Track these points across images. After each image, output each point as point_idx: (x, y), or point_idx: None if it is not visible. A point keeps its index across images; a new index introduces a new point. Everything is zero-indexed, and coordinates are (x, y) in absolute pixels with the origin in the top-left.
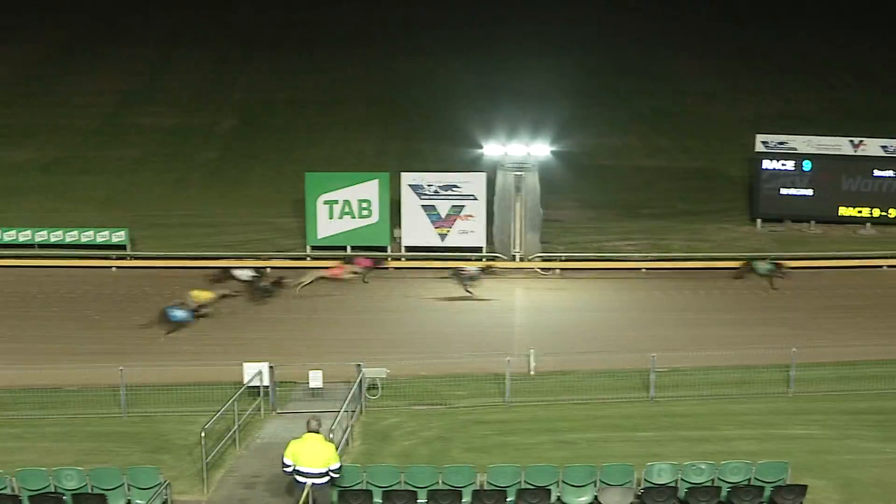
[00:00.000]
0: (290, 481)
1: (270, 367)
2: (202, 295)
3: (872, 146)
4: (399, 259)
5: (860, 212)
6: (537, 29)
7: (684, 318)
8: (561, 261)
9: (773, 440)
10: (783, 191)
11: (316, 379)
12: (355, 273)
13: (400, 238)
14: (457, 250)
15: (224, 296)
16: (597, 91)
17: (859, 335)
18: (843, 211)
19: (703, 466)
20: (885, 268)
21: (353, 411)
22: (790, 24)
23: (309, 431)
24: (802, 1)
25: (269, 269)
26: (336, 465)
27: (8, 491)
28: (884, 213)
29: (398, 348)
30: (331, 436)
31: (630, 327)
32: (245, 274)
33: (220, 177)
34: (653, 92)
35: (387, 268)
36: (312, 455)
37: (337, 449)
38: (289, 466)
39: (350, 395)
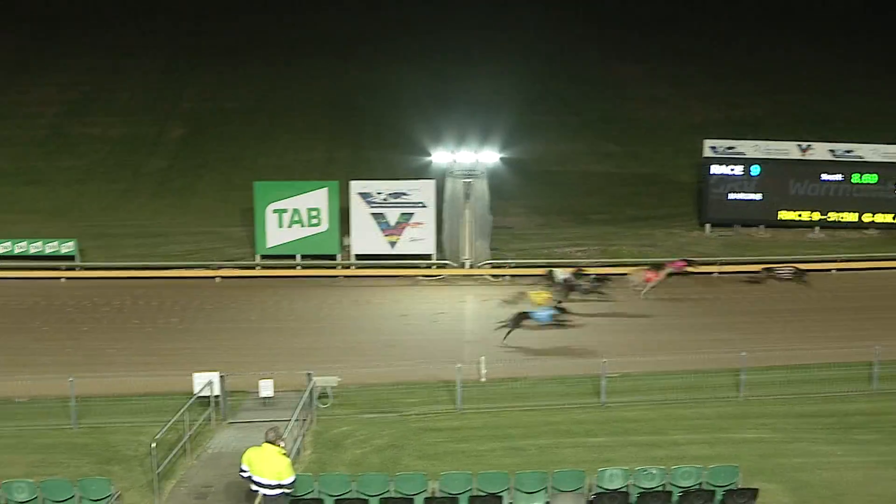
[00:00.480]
0: (246, 489)
1: (221, 377)
2: (539, 297)
3: (820, 150)
4: (349, 267)
5: (808, 216)
6: (486, 36)
7: (635, 323)
8: (511, 267)
9: (723, 444)
10: (731, 195)
11: (267, 388)
12: (672, 274)
13: (349, 246)
14: (407, 258)
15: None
16: (545, 98)
17: (808, 339)
18: (792, 215)
19: (654, 471)
20: (833, 271)
21: (305, 420)
22: (737, 30)
23: (266, 442)
24: (748, 6)
25: (585, 269)
26: (289, 480)
27: None
28: (831, 217)
29: (349, 356)
30: (281, 444)
31: (581, 333)
32: (564, 274)
33: (169, 186)
34: (601, 98)
35: (694, 273)
36: (265, 466)
37: (290, 458)
38: (245, 472)
39: (301, 404)
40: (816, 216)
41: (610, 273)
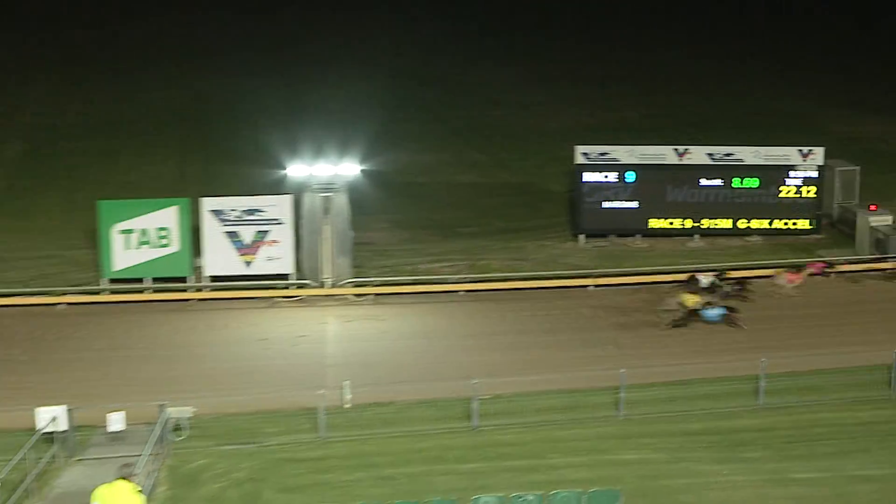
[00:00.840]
0: None
1: (67, 411)
2: (690, 299)
3: (698, 154)
4: (202, 290)
5: (687, 223)
6: (343, 42)
7: (507, 341)
8: (374, 286)
9: (604, 466)
10: (606, 204)
11: (117, 421)
12: (811, 275)
13: (202, 267)
14: (264, 278)
15: (707, 302)
16: (408, 105)
17: (692, 353)
18: (670, 223)
19: (530, 497)
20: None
21: (159, 454)
22: (608, 30)
23: (118, 478)
24: (616, 7)
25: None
26: None
27: None
28: (712, 224)
29: (205, 385)
30: (134, 480)
31: (450, 353)
32: (706, 280)
33: (7, 207)
34: (466, 104)
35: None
36: None
37: (144, 495)
38: None
39: (154, 438)
40: (696, 223)
41: (750, 276)
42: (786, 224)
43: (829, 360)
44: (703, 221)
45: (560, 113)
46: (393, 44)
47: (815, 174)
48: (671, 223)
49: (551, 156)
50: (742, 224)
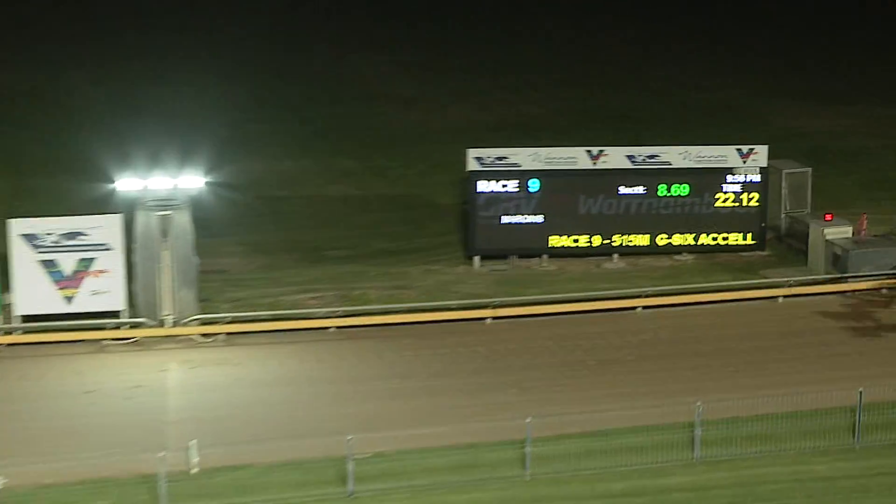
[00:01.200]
0: None
1: None
2: None
3: (616, 157)
4: (12, 332)
5: (603, 240)
6: (184, 30)
7: (388, 387)
8: (226, 323)
9: None
10: (505, 219)
11: None
12: None
13: (11, 305)
14: (90, 316)
15: None
16: (263, 104)
17: (614, 396)
18: (583, 240)
19: None
20: (639, 309)
21: None
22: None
23: None
24: None
25: None
26: None
27: None
28: (633, 241)
29: (18, 449)
30: None
31: (320, 404)
32: None
33: None
34: (334, 101)
35: None
36: None
37: None
38: None
39: None
40: (614, 240)
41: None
42: (723, 239)
43: (779, 403)
44: (622, 238)
45: (448, 109)
46: (244, 31)
47: (757, 178)
48: (584, 241)
49: (438, 161)
50: (670, 240)
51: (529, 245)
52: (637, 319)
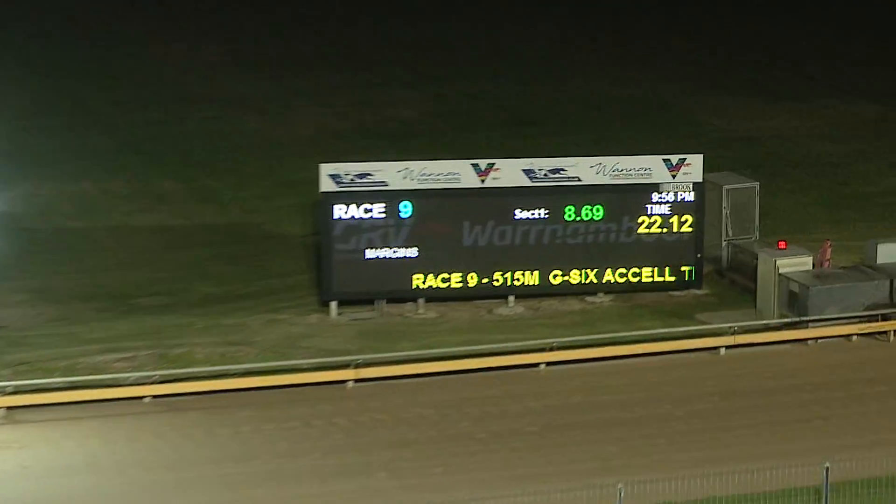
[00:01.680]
0: None
1: None
2: None
3: (510, 171)
4: None
5: (496, 279)
6: None
7: (221, 474)
8: (7, 394)
9: None
10: (370, 253)
11: None
12: None
13: None
14: None
15: None
16: (48, 107)
17: (509, 478)
18: (470, 279)
19: None
20: (542, 367)
21: None
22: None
23: None
24: None
25: None
26: None
27: None
28: (532, 280)
29: None
30: None
31: (131, 497)
32: None
33: None
34: (145, 104)
35: None
36: None
37: None
38: None
39: None
40: (510, 279)
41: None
42: (648, 275)
43: (724, 484)
44: (519, 275)
45: (296, 113)
46: (28, 18)
47: (690, 196)
48: (472, 280)
49: (283, 180)
50: (581, 277)
51: (401, 286)
52: (540, 380)
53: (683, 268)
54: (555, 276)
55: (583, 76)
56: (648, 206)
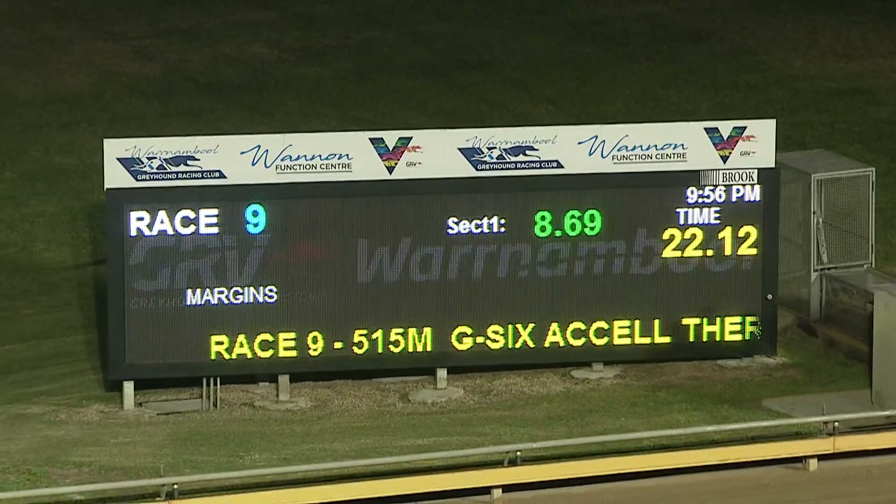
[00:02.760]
0: None
1: None
2: None
3: (437, 152)
4: None
5: (416, 340)
6: None
7: None
8: None
9: None
10: (194, 296)
11: None
12: None
13: None
14: None
15: None
16: None
17: None
18: (370, 340)
19: None
20: (496, 494)
21: None
22: None
23: None
24: None
25: None
26: None
27: None
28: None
29: None
30: None
31: None
32: None
33: None
34: None
35: None
36: None
37: None
38: None
39: None
40: (442, 340)
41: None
42: (682, 332)
43: None
44: (456, 333)
45: (61, 51)
46: None
47: (754, 193)
48: (372, 341)
49: (36, 168)
50: (562, 336)
51: (248, 355)
52: None
53: (742, 317)
54: (516, 333)
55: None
56: (680, 210)
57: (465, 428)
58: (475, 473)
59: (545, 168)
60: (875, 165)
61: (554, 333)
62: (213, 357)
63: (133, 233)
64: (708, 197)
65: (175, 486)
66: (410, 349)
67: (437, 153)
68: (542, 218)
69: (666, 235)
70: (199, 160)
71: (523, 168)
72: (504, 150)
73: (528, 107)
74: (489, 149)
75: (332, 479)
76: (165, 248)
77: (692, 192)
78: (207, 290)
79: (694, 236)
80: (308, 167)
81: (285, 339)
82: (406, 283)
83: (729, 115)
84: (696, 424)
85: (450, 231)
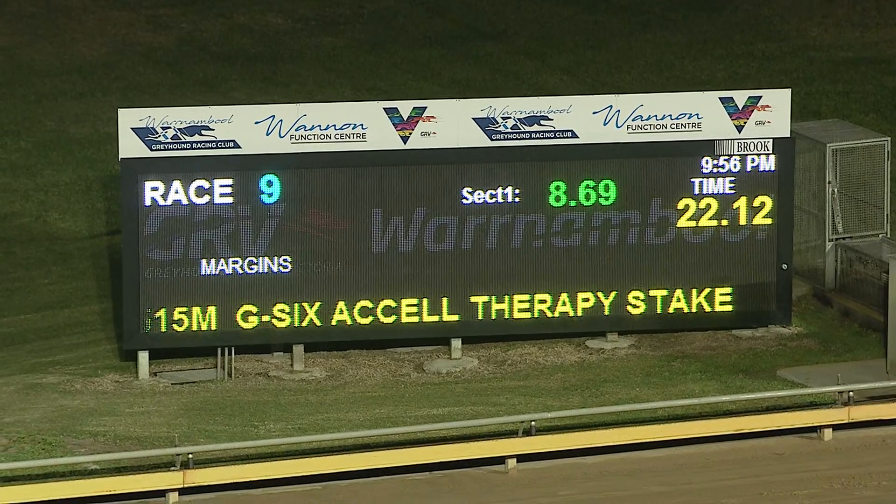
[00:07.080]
0: None
1: None
2: None
3: (452, 123)
4: None
5: (431, 310)
6: None
7: None
8: None
9: None
10: (208, 266)
11: None
12: None
13: None
14: None
15: None
16: None
17: None
18: (383, 309)
19: None
20: (511, 463)
21: None
22: None
23: None
24: None
25: None
26: None
27: None
28: (495, 309)
29: None
30: None
31: None
32: None
33: None
34: None
35: None
36: None
37: None
38: None
39: None
40: (455, 309)
41: None
42: (696, 302)
43: None
44: (470, 303)
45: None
46: None
47: (769, 163)
48: (387, 312)
49: (50, 139)
50: (576, 306)
51: (262, 325)
52: (509, 486)
53: (757, 288)
54: (531, 305)
55: None
56: (695, 180)
57: (479, 398)
58: (490, 443)
59: (560, 138)
60: (890, 135)
61: (567, 304)
62: (227, 327)
63: (148, 202)
64: (723, 167)
65: (190, 456)
66: (425, 319)
67: (452, 123)
68: (557, 188)
69: (681, 205)
70: (213, 130)
71: (538, 138)
72: (518, 119)
73: (543, 76)
74: (504, 118)
75: (347, 449)
76: (180, 218)
77: (707, 162)
78: (222, 259)
79: (709, 206)
80: (322, 137)
81: (300, 309)
82: (420, 253)
83: (744, 85)
84: (710, 394)
85: (464, 201)
